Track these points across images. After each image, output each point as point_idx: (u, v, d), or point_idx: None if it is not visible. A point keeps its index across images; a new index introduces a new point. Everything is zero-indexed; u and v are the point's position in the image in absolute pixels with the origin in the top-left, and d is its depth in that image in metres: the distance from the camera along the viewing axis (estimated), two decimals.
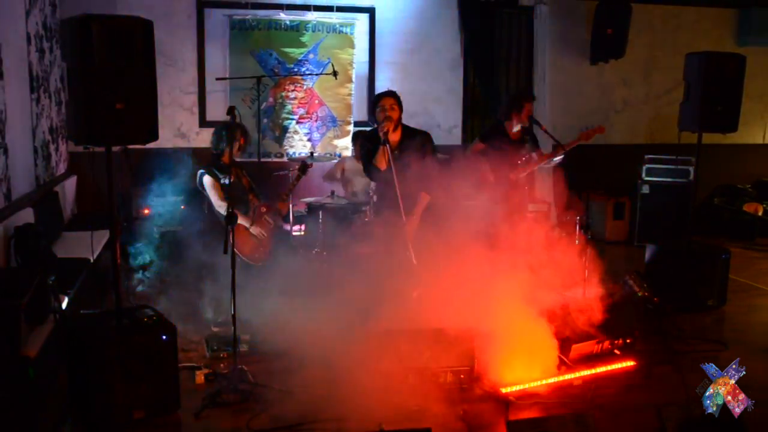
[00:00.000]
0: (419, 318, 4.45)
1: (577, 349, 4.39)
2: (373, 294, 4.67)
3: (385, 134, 4.79)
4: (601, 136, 6.09)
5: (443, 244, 4.52)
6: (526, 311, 4.25)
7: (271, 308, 4.81)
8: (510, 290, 4.23)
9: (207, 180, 5.33)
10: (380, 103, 5.00)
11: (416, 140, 5.08)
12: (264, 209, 5.47)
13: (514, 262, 4.38)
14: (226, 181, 5.18)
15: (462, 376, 4.08)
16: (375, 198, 5.75)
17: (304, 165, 5.74)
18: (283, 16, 7.39)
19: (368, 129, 5.43)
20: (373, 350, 4.14)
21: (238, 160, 5.53)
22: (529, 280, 4.36)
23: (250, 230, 5.35)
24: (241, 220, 5.23)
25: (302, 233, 6.80)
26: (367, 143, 5.24)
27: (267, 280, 5.04)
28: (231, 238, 4.09)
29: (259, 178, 6.81)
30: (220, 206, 5.25)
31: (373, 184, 5.78)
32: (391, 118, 4.90)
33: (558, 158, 5.82)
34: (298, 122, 7.57)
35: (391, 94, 5.05)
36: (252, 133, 6.86)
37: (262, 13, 7.33)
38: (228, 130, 5.17)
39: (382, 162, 4.98)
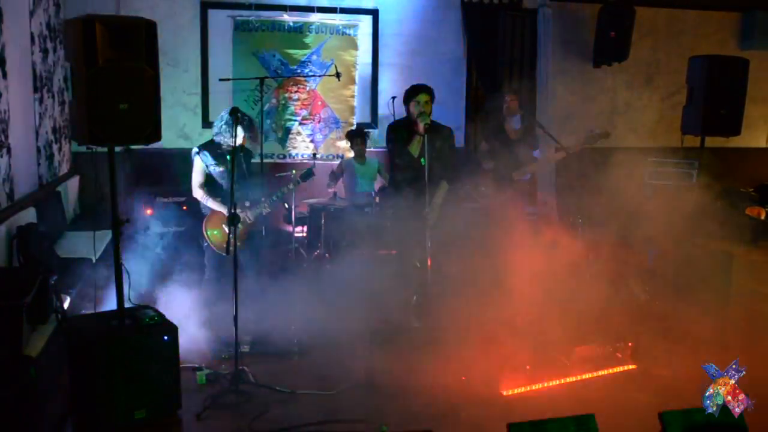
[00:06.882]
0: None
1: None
2: (378, 294, 4.70)
3: (425, 127, 4.88)
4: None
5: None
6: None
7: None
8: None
9: (196, 161, 5.03)
10: (417, 97, 5.08)
11: (441, 133, 5.23)
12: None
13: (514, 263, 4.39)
14: (216, 170, 5.00)
15: (464, 378, 4.09)
16: (397, 182, 5.59)
17: (308, 173, 5.48)
18: (287, 18, 7.39)
19: (400, 119, 5.44)
20: (376, 351, 4.14)
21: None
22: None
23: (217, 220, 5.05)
24: (218, 207, 5.02)
25: (304, 234, 6.80)
26: (402, 131, 5.28)
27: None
28: (234, 240, 4.08)
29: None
30: (195, 191, 5.05)
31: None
32: (427, 113, 5.03)
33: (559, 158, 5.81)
34: (300, 123, 7.56)
35: (427, 90, 5.11)
36: (256, 134, 6.84)
37: (265, 14, 7.33)
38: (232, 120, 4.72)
39: (416, 150, 5.15)
